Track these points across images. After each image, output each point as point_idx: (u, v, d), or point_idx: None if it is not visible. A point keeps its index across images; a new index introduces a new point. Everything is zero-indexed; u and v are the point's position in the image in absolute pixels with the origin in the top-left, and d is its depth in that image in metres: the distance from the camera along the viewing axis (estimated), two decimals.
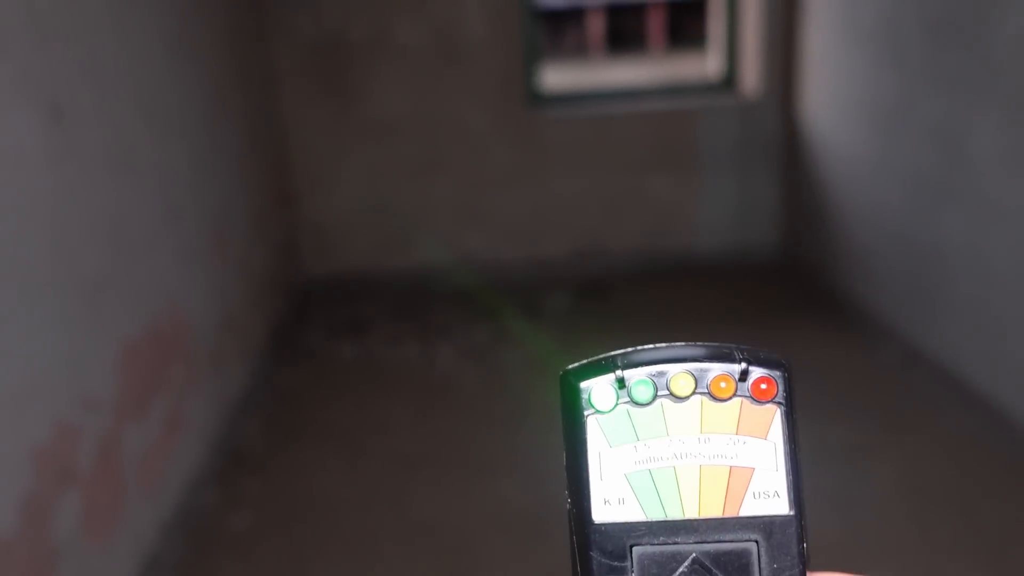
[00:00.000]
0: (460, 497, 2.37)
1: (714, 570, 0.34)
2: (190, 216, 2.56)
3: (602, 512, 0.34)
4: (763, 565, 0.34)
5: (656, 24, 12.64)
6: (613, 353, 0.35)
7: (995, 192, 2.47)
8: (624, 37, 12.79)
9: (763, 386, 0.34)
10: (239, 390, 2.85)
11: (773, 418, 0.35)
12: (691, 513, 0.34)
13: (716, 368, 0.34)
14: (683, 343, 0.35)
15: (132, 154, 2.17)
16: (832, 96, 3.42)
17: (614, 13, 12.67)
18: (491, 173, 3.88)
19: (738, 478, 0.34)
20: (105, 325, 1.96)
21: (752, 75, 3.80)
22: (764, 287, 3.75)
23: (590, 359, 0.35)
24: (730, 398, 0.34)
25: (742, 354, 0.34)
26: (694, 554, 0.34)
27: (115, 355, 1.99)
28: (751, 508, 0.34)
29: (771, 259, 3.95)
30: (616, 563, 0.34)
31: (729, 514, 0.34)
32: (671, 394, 0.34)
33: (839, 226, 3.43)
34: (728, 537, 0.34)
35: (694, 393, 0.34)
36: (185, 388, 2.40)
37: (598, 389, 0.34)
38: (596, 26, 12.66)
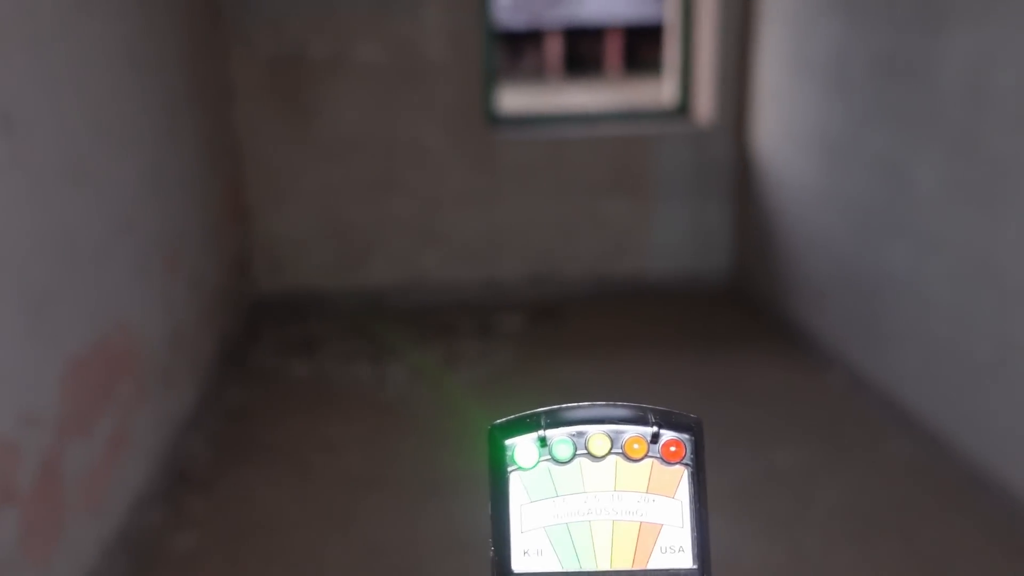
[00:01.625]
0: (409, 518, 2.36)
1: None
2: (141, 231, 2.53)
3: (521, 562, 0.37)
4: None
5: (613, 49, 12.81)
6: (538, 411, 0.38)
7: (936, 224, 2.55)
8: (582, 61, 12.93)
9: (672, 448, 0.37)
10: (187, 408, 2.81)
11: (681, 478, 0.37)
12: (603, 565, 0.36)
13: (631, 430, 0.37)
14: (603, 403, 0.37)
15: (83, 166, 2.14)
16: (783, 127, 3.50)
17: (572, 37, 12.82)
18: (447, 194, 3.89)
19: (647, 533, 0.37)
20: (50, 340, 1.92)
21: (706, 103, 3.88)
22: (715, 312, 3.81)
23: (516, 416, 0.38)
24: (642, 459, 0.37)
25: (655, 417, 0.37)
26: None
27: (60, 371, 1.95)
28: (658, 561, 0.37)
29: (722, 285, 4.02)
30: None
31: (638, 567, 0.37)
32: (589, 453, 0.37)
33: (788, 254, 3.51)
34: None
35: (610, 453, 0.37)
36: (131, 405, 2.37)
37: (522, 447, 0.37)
38: (554, 49, 12.79)
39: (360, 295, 3.94)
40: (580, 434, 0.37)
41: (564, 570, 0.36)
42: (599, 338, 3.56)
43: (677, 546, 0.37)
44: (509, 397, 2.95)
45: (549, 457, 0.37)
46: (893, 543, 2.21)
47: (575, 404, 0.37)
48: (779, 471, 2.53)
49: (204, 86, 3.31)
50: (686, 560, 0.37)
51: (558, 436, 0.37)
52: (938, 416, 2.56)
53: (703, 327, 3.66)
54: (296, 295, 3.92)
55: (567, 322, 3.74)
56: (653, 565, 0.36)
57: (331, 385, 3.21)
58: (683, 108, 3.99)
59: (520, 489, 0.37)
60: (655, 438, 0.37)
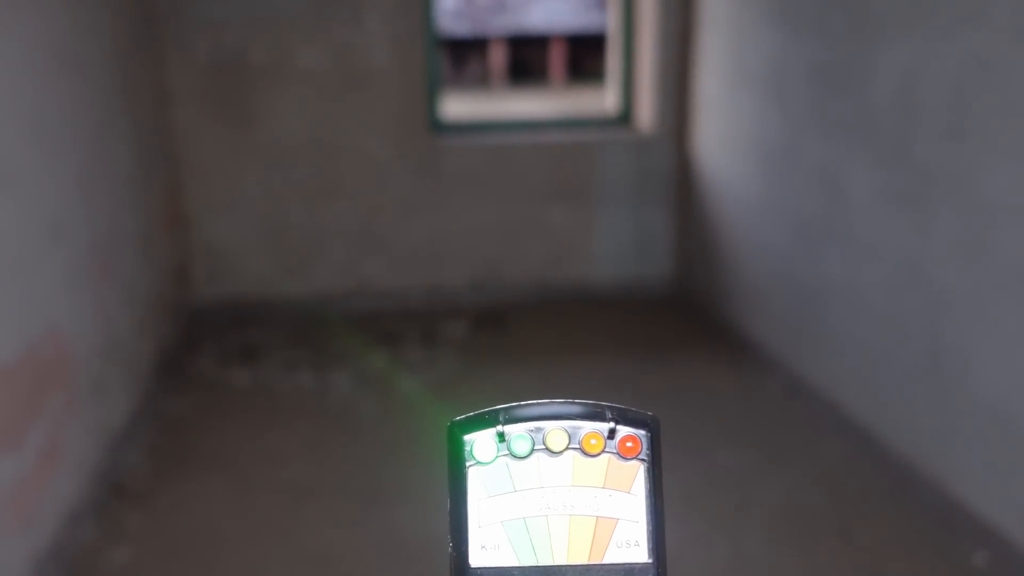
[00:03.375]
0: (352, 527, 2.33)
1: None
2: (74, 237, 2.46)
3: (479, 557, 0.37)
4: None
5: (557, 58, 12.90)
6: (496, 408, 0.38)
7: (869, 232, 2.62)
8: (526, 69, 12.99)
9: (629, 444, 0.38)
10: (122, 418, 2.74)
11: (637, 473, 0.38)
12: (560, 559, 0.37)
13: (588, 426, 0.37)
14: (561, 400, 0.38)
15: (12, 171, 2.08)
16: (723, 136, 3.56)
17: (516, 45, 12.87)
18: (390, 200, 3.87)
19: (603, 528, 0.37)
20: None
21: (647, 112, 3.92)
22: (658, 318, 3.85)
23: (475, 412, 0.38)
24: (599, 454, 0.38)
25: (611, 413, 0.38)
26: None
27: None
28: (614, 556, 0.37)
29: (665, 291, 4.06)
30: None
31: (594, 561, 0.37)
32: (547, 449, 0.37)
33: (729, 261, 3.56)
34: None
35: (567, 448, 0.37)
36: (64, 416, 2.30)
37: (480, 442, 0.37)
38: (499, 57, 12.83)
39: (302, 302, 3.89)
40: (538, 430, 0.37)
41: (521, 564, 0.37)
42: (543, 344, 3.57)
43: (633, 540, 0.37)
44: (453, 404, 2.94)
45: (507, 452, 0.37)
46: (831, 542, 2.26)
47: (533, 401, 0.38)
48: (720, 473, 2.56)
49: (139, 90, 3.24)
50: (642, 554, 0.37)
51: (516, 431, 0.37)
52: (873, 417, 2.63)
53: (645, 333, 3.70)
54: (236, 303, 3.85)
55: (511, 329, 3.74)
56: (609, 559, 0.37)
57: (273, 394, 3.16)
58: (625, 116, 4.04)
59: (478, 484, 0.37)
60: (612, 434, 0.37)
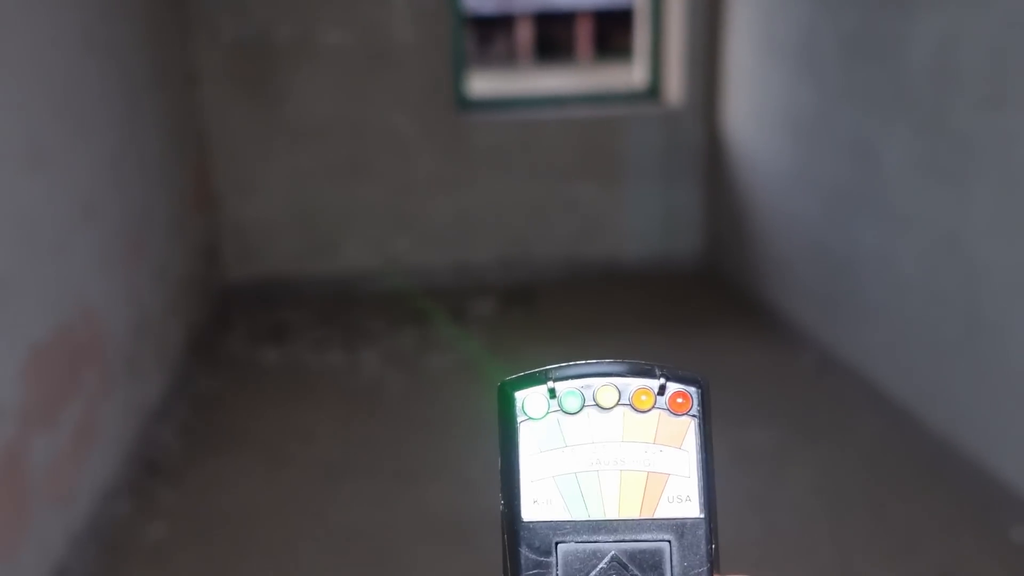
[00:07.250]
0: (384, 504, 2.35)
1: (631, 567, 0.37)
2: (106, 217, 2.48)
3: (531, 511, 0.37)
4: (675, 563, 0.37)
5: (584, 34, 12.78)
6: (546, 367, 0.38)
7: (904, 203, 2.56)
8: (552, 46, 12.89)
9: (679, 400, 0.38)
10: (155, 397, 2.77)
11: (688, 429, 0.38)
12: (611, 514, 0.37)
13: (637, 383, 0.38)
14: (610, 360, 0.38)
15: (44, 152, 2.09)
16: (753, 108, 3.50)
17: (542, 21, 12.77)
18: (418, 178, 3.86)
19: (654, 483, 0.37)
20: (11, 329, 1.88)
21: (676, 85, 3.87)
22: (687, 294, 3.82)
23: (525, 372, 0.38)
24: (649, 410, 0.38)
25: (661, 371, 0.38)
26: (613, 552, 0.37)
27: (22, 361, 1.91)
28: (665, 511, 0.37)
29: (694, 266, 4.03)
30: (542, 558, 0.37)
31: (645, 515, 0.37)
32: (597, 405, 0.38)
33: (759, 235, 3.52)
34: (644, 537, 0.37)
35: (617, 404, 0.38)
36: (98, 395, 2.32)
37: (531, 398, 0.38)
38: (525, 34, 12.74)
39: (332, 281, 3.90)
40: (588, 386, 0.38)
41: (573, 519, 0.37)
42: (572, 321, 3.56)
43: (684, 495, 0.38)
44: (483, 381, 2.94)
45: (558, 408, 0.38)
46: (865, 519, 2.23)
47: (583, 361, 0.39)
48: (753, 450, 2.54)
49: (166, 70, 3.25)
50: (693, 509, 0.38)
51: (567, 388, 0.38)
52: (908, 392, 2.59)
53: (675, 309, 3.67)
54: (266, 281, 3.87)
55: (539, 305, 3.73)
56: (660, 514, 0.37)
57: (303, 372, 3.18)
58: (653, 90, 3.98)
59: (530, 440, 0.38)
60: (662, 390, 0.38)
